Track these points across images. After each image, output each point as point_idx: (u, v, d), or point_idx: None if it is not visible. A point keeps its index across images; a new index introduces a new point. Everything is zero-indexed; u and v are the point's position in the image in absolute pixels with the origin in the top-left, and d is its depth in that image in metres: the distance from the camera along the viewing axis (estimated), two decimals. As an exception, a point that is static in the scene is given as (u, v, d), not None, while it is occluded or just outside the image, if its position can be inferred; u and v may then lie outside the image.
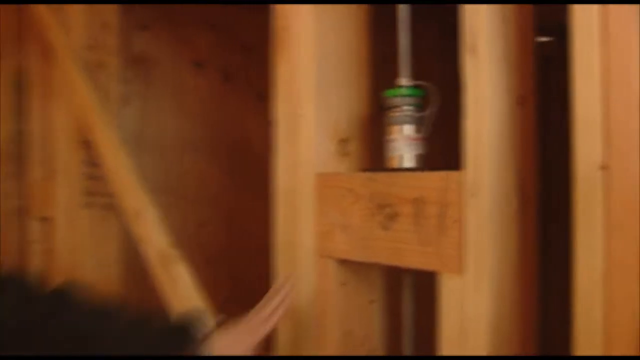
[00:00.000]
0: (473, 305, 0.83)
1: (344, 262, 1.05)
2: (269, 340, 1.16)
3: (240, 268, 2.40)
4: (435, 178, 0.87)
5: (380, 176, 0.98)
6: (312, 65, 1.07)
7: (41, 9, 2.13)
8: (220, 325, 1.04)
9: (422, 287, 1.05)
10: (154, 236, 1.42)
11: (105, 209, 1.95)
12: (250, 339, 1.02)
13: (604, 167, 0.71)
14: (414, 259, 0.91)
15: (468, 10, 0.83)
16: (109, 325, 1.05)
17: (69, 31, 2.01)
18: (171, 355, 1.01)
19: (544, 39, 2.34)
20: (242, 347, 1.01)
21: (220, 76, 2.39)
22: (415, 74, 1.02)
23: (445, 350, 0.88)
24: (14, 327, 0.99)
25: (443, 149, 1.06)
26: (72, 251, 2.04)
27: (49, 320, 1.02)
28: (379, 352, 1.11)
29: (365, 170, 1.09)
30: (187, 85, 2.32)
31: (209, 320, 1.06)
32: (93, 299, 1.08)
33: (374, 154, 1.12)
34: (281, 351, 1.17)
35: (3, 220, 2.66)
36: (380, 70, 1.15)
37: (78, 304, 1.07)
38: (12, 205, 2.58)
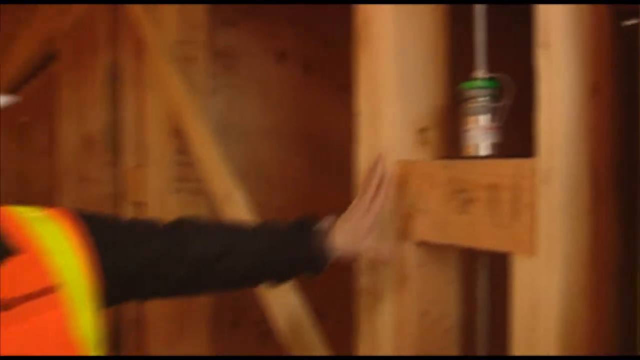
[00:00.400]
0: (544, 285, 0.88)
1: (422, 244, 1.11)
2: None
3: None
4: (508, 165, 0.93)
5: (457, 163, 1.04)
6: (392, 60, 1.14)
7: (136, 8, 2.28)
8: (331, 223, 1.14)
9: (496, 268, 1.10)
10: (242, 217, 1.52)
11: (195, 194, 2.08)
12: (364, 223, 1.11)
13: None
14: (488, 241, 0.96)
15: (541, 6, 0.88)
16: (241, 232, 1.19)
17: (161, 28, 2.15)
18: (301, 247, 1.12)
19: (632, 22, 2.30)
20: (358, 234, 1.11)
21: (302, 68, 2.48)
22: (491, 66, 1.07)
23: (517, 328, 0.93)
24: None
25: (519, 137, 1.10)
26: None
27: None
28: (455, 331, 1.17)
29: (443, 158, 1.15)
30: (270, 77, 2.43)
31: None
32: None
33: (451, 143, 1.18)
34: (361, 330, 1.26)
35: (100, 205, 2.86)
36: (457, 62, 1.20)
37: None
38: (108, 190, 2.77)
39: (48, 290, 0.97)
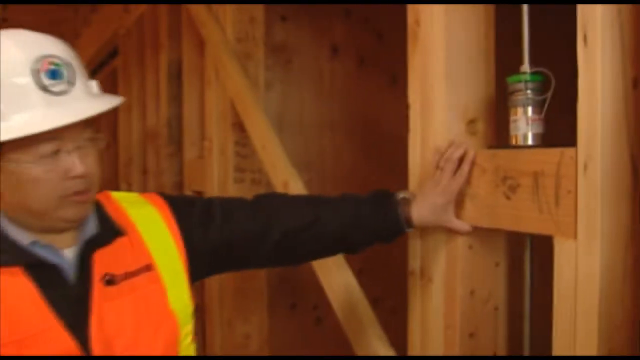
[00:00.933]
0: (585, 266, 0.95)
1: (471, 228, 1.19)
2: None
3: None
4: (551, 154, 0.99)
5: (504, 152, 1.11)
6: (443, 54, 1.21)
7: (198, 7, 2.40)
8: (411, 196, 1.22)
9: (540, 251, 1.17)
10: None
11: (254, 184, 2.19)
12: (442, 200, 1.18)
13: None
14: (533, 225, 1.03)
15: (582, 5, 0.94)
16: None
17: (221, 26, 2.26)
18: (382, 216, 1.21)
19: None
20: (437, 210, 1.18)
21: (355, 61, 2.56)
22: (536, 60, 1.14)
23: (558, 307, 1.00)
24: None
25: (564, 126, 1.16)
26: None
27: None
28: (502, 310, 1.24)
29: (491, 147, 1.22)
30: (324, 70, 2.51)
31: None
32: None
33: (499, 133, 1.25)
34: (412, 309, 1.34)
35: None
36: (504, 56, 1.27)
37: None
38: (172, 180, 2.92)
39: (146, 269, 1.09)
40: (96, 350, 1.00)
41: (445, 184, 1.18)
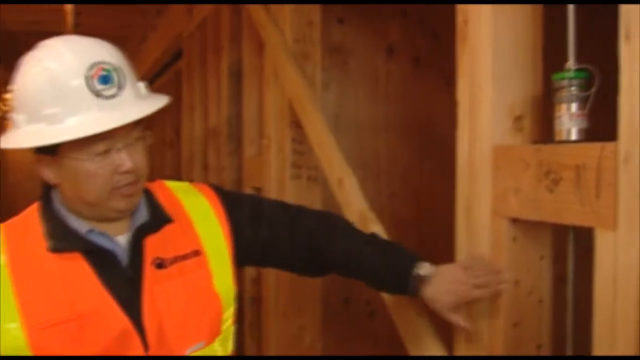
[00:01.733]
0: (625, 257, 0.98)
1: (515, 221, 1.23)
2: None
3: (425, 238, 2.61)
4: (593, 148, 1.03)
5: (548, 147, 1.14)
6: (490, 53, 1.25)
7: (258, 9, 2.49)
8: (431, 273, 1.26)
9: (583, 242, 1.20)
10: (355, 200, 1.68)
11: (310, 180, 2.26)
12: (466, 296, 1.22)
13: None
14: (575, 217, 1.07)
15: (624, 5, 0.97)
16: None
17: (279, 27, 2.34)
18: (399, 283, 1.28)
19: None
20: (454, 300, 1.22)
21: (411, 62, 2.60)
22: (580, 57, 1.17)
23: (598, 297, 1.03)
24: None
25: (608, 121, 1.18)
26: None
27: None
28: (546, 301, 1.27)
29: (535, 142, 1.25)
30: (380, 70, 2.57)
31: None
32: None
33: (544, 129, 1.28)
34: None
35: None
36: (550, 53, 1.30)
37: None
38: (232, 177, 3.02)
39: (195, 254, 1.19)
40: (148, 328, 1.10)
41: (466, 290, 1.21)
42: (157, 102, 1.14)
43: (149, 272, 1.13)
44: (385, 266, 1.30)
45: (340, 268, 1.36)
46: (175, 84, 5.34)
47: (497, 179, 1.26)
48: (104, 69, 1.07)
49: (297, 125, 2.23)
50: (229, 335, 1.24)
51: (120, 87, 1.08)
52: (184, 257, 1.18)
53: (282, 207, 1.39)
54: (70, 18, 6.90)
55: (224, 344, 1.23)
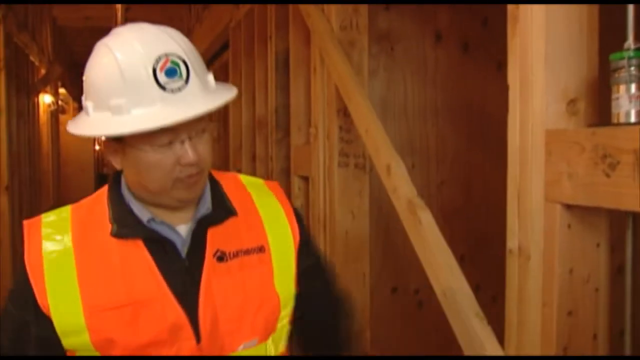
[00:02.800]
0: (688, 242, 0.94)
1: (569, 207, 1.19)
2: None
3: (475, 225, 2.57)
4: (653, 130, 0.99)
5: (604, 130, 1.10)
6: (542, 36, 1.22)
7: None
8: None
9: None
10: (403, 187, 1.66)
11: (357, 168, 2.25)
12: None
13: None
14: (633, 203, 1.03)
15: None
16: None
17: (326, 16, 2.33)
18: None
19: None
20: None
21: (460, 47, 2.56)
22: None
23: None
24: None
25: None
26: (327, 203, 2.37)
27: None
28: (603, 290, 1.24)
29: (590, 125, 1.21)
30: (428, 56, 2.53)
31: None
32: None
33: (601, 112, 1.24)
34: (510, 286, 1.35)
35: (272, 179, 3.13)
36: (607, 33, 1.25)
37: None
38: (279, 166, 3.03)
39: (259, 249, 1.18)
40: (202, 320, 1.10)
41: None
42: (223, 96, 1.12)
43: (208, 264, 1.13)
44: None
45: (307, 341, 1.34)
46: (222, 76, 5.38)
47: (550, 164, 1.22)
48: (171, 61, 1.05)
49: (344, 113, 2.22)
50: (284, 334, 1.23)
51: (186, 80, 1.06)
52: (247, 252, 1.16)
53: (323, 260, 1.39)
54: (120, 14, 7.04)
55: (277, 343, 1.21)
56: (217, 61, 5.53)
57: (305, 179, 2.69)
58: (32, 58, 6.32)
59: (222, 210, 1.17)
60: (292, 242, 1.22)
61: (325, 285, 1.33)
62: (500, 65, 2.53)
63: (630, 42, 1.13)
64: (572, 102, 1.24)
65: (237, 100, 3.98)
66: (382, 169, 1.81)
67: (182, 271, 1.11)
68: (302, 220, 1.27)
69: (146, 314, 1.07)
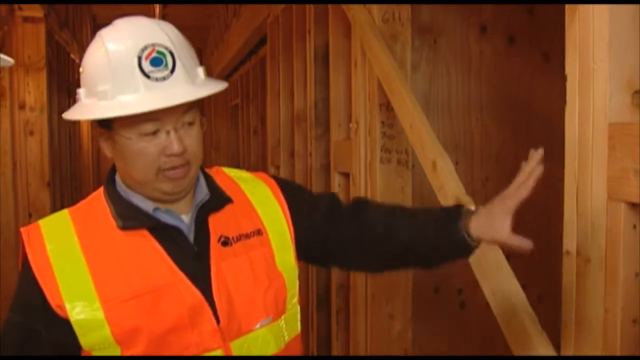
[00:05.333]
0: None
1: (634, 206, 1.11)
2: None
3: (521, 222, 2.48)
4: None
5: (675, 124, 1.02)
6: (605, 20, 1.14)
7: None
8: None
9: None
10: (450, 183, 1.59)
11: (400, 164, 2.19)
12: (501, 209, 1.15)
13: None
14: None
15: None
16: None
17: (367, 8, 2.27)
18: (444, 232, 1.20)
19: None
20: (494, 220, 1.14)
21: (505, 39, 2.47)
22: None
23: None
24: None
25: None
26: (370, 201, 2.31)
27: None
28: (671, 295, 1.15)
29: (659, 118, 1.13)
30: (472, 49, 2.45)
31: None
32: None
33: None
34: (567, 291, 1.27)
35: (309, 176, 3.08)
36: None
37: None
38: (319, 162, 2.98)
39: (257, 233, 1.21)
40: (218, 301, 1.12)
41: (506, 193, 1.14)
42: (208, 88, 1.13)
43: (215, 248, 1.15)
44: (436, 226, 1.23)
45: (401, 247, 1.28)
46: (259, 71, 5.36)
47: (613, 160, 1.14)
48: (157, 51, 1.08)
49: (386, 107, 2.15)
50: (295, 315, 1.26)
51: (172, 70, 1.08)
52: (247, 236, 1.20)
53: (334, 199, 1.37)
54: (158, 11, 7.08)
55: (291, 323, 1.24)
56: (254, 57, 5.50)
57: (346, 175, 2.64)
58: (72, 56, 6.39)
59: (218, 197, 1.21)
60: (286, 223, 1.26)
61: (351, 214, 1.32)
62: (548, 56, 2.43)
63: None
64: (637, 93, 1.16)
65: (276, 96, 3.95)
66: (427, 165, 1.74)
67: (192, 256, 1.14)
68: (292, 189, 1.31)
69: (166, 300, 1.08)
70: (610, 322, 1.16)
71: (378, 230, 1.27)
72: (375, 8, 2.21)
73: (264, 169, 4.26)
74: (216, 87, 1.15)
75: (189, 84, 1.11)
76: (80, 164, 7.16)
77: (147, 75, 1.07)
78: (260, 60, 5.22)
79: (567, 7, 1.24)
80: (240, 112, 6.56)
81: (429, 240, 1.24)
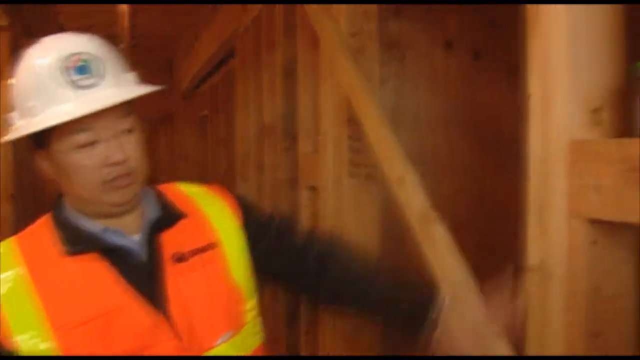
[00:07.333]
0: None
1: (594, 222, 1.13)
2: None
3: (486, 237, 2.51)
4: (688, 142, 0.93)
5: (632, 141, 1.04)
6: (565, 39, 1.16)
7: (309, 4, 2.42)
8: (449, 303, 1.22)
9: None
10: (415, 199, 1.60)
11: (367, 179, 2.19)
12: (486, 330, 1.18)
13: None
14: (666, 218, 0.97)
15: None
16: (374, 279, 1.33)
17: (334, 21, 2.27)
18: (412, 330, 1.23)
19: None
20: (478, 337, 1.18)
21: (470, 54, 2.51)
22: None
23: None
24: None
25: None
26: (336, 215, 2.32)
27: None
28: (631, 310, 1.17)
29: (616, 137, 1.15)
30: (439, 64, 2.48)
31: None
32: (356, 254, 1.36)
33: (625, 122, 1.18)
34: (530, 306, 1.29)
35: (277, 190, 3.08)
36: (630, 42, 1.19)
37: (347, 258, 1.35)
38: (287, 176, 2.98)
39: (211, 246, 1.20)
40: (177, 319, 1.11)
41: (492, 314, 1.21)
42: (137, 90, 1.12)
43: (169, 266, 1.14)
44: (404, 295, 1.27)
45: (348, 297, 1.32)
46: (227, 83, 5.34)
47: (573, 177, 1.16)
48: (81, 60, 1.06)
49: (354, 121, 2.16)
50: (256, 327, 1.26)
51: (100, 77, 1.06)
52: (202, 250, 1.19)
53: (292, 224, 1.40)
54: (126, 20, 7.02)
55: (252, 335, 1.24)
56: (224, 67, 5.49)
57: (314, 189, 2.63)
58: (37, 65, 6.28)
59: (170, 214, 1.20)
60: (241, 235, 1.25)
61: (299, 239, 1.35)
62: (512, 71, 2.47)
63: (659, 49, 1.08)
64: (596, 111, 1.18)
65: (244, 108, 3.93)
66: (394, 180, 1.75)
67: (146, 276, 1.12)
68: (248, 206, 1.31)
69: (120, 323, 1.06)
70: (572, 336, 1.17)
71: (340, 293, 1.29)
72: (342, 21, 2.22)
73: (232, 181, 4.24)
74: (146, 89, 1.13)
75: (120, 90, 1.09)
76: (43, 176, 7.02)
77: (74, 84, 1.05)
78: (229, 71, 5.20)
79: (529, 22, 1.26)
80: (210, 123, 6.53)
81: (392, 319, 1.31)
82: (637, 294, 1.17)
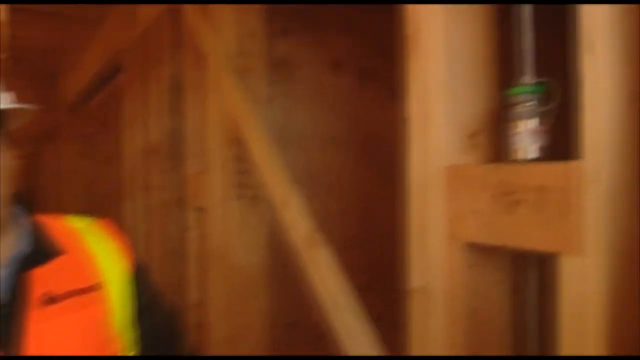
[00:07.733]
0: (591, 284, 0.90)
1: (472, 245, 1.14)
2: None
3: (374, 254, 2.53)
4: (555, 167, 0.95)
5: (506, 166, 1.07)
6: (442, 64, 1.18)
7: (198, 21, 2.37)
8: None
9: (545, 268, 1.12)
10: (299, 222, 1.58)
11: (254, 200, 2.15)
12: None
13: None
14: (537, 242, 0.99)
15: (585, 9, 0.90)
16: None
17: (220, 39, 2.23)
18: None
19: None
20: None
21: (357, 76, 2.53)
22: (537, 68, 1.10)
23: (564, 327, 0.95)
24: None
25: (566, 138, 1.12)
26: (223, 236, 2.26)
27: None
28: (506, 330, 1.19)
29: (492, 161, 1.18)
30: (326, 85, 2.48)
31: None
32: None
33: (500, 146, 1.20)
34: (413, 326, 1.29)
35: (163, 211, 2.97)
36: (504, 68, 1.23)
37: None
38: (171, 197, 2.88)
39: (94, 288, 1.09)
40: None
41: None
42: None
43: (35, 308, 1.03)
44: None
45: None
46: (114, 100, 5.15)
47: (451, 201, 1.17)
48: None
49: (239, 141, 2.12)
50: None
51: None
52: (82, 292, 1.08)
53: (159, 300, 1.29)
54: (4, 30, 6.62)
55: None
56: (112, 83, 5.29)
57: (200, 210, 2.56)
58: None
59: (46, 249, 1.09)
60: (129, 279, 1.15)
61: (158, 324, 1.24)
62: (395, 93, 2.52)
63: (528, 77, 1.11)
64: (472, 135, 1.20)
65: (130, 126, 3.79)
66: (277, 202, 1.72)
67: (4, 319, 1.00)
68: (139, 264, 1.20)
69: None
70: (453, 355, 1.18)
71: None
72: (230, 41, 2.18)
73: (119, 201, 4.07)
74: (10, 105, 1.04)
75: None
76: None
77: None
78: (115, 88, 5.02)
79: (409, 48, 1.27)
80: (97, 140, 6.27)
81: None
82: (511, 316, 1.20)
